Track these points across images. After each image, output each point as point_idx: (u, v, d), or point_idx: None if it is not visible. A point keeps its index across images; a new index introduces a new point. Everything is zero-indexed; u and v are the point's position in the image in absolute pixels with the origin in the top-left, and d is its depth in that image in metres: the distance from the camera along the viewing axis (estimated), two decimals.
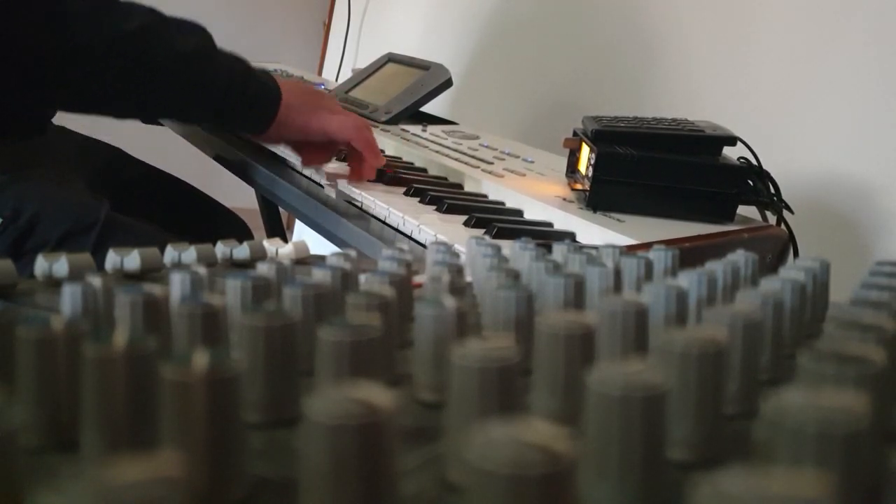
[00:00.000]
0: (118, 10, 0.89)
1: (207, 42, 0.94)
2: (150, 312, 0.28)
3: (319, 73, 2.46)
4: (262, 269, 0.38)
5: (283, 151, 1.07)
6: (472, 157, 1.07)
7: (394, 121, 1.25)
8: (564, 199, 0.87)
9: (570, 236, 0.78)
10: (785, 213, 0.91)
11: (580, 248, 0.46)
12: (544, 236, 0.77)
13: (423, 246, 0.74)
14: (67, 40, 0.84)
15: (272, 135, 0.98)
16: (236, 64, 0.95)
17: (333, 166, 1.02)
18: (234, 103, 0.94)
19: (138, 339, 0.21)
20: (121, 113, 0.98)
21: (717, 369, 0.23)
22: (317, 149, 1.00)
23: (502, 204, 0.90)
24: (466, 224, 0.79)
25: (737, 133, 0.88)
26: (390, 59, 1.46)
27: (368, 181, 0.95)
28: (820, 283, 0.41)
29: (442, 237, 0.73)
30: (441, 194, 0.88)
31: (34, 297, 0.39)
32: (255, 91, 0.95)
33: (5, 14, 0.82)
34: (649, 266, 0.41)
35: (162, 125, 1.45)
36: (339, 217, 0.87)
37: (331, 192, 0.95)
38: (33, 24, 0.83)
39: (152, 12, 0.91)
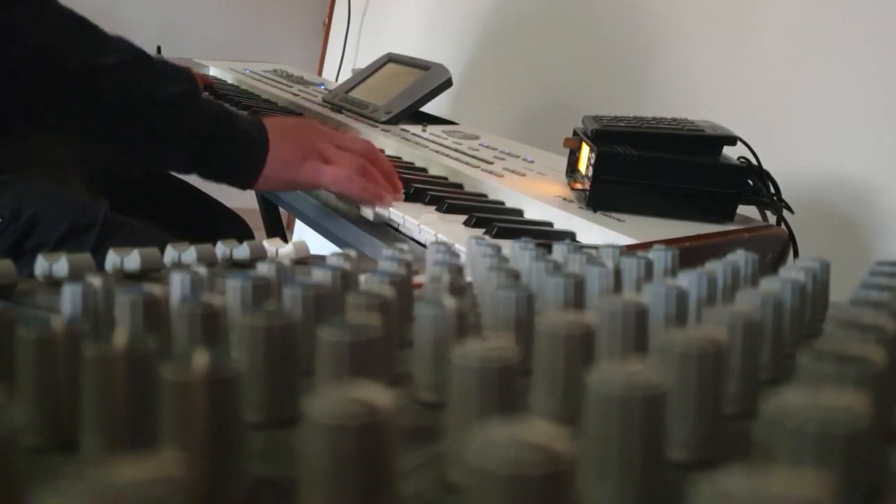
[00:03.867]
0: (101, 40, 0.85)
1: (191, 88, 0.88)
2: (150, 312, 0.28)
3: (319, 73, 2.46)
4: (262, 269, 0.38)
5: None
6: (472, 157, 1.07)
7: (394, 121, 1.25)
8: (564, 199, 0.87)
9: (570, 236, 0.78)
10: (785, 213, 0.91)
11: (580, 247, 0.46)
12: (544, 236, 0.77)
13: (423, 246, 0.75)
14: (39, 61, 0.80)
15: (260, 187, 0.91)
16: (221, 113, 0.89)
17: None
18: (216, 153, 0.87)
19: (138, 339, 0.21)
20: (93, 143, 0.92)
21: (717, 369, 0.23)
22: None
23: (502, 204, 0.90)
24: (466, 224, 0.79)
25: (737, 133, 0.88)
26: (390, 59, 1.46)
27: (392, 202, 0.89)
28: (820, 283, 0.41)
29: (442, 237, 0.73)
30: (441, 194, 0.88)
31: (34, 297, 0.39)
32: (240, 142, 0.88)
33: None
34: (649, 266, 0.41)
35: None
36: (339, 217, 0.87)
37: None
38: (7, 38, 0.79)
39: (137, 51, 0.87)
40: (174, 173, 0.92)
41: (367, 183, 0.87)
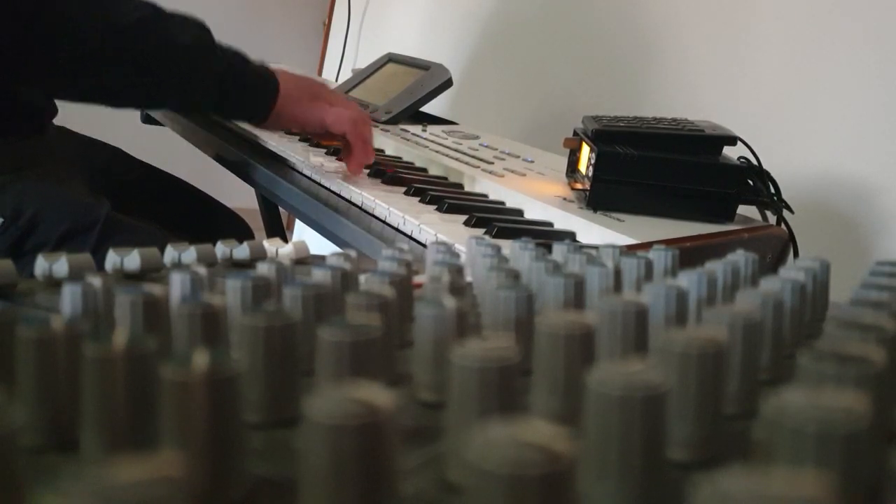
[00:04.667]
0: (117, 1, 0.90)
1: (206, 35, 0.95)
2: (150, 312, 0.28)
3: (319, 73, 2.46)
4: (262, 269, 0.38)
5: (284, 150, 1.07)
6: (472, 157, 1.07)
7: (394, 121, 1.25)
8: (564, 199, 0.87)
9: (570, 236, 0.78)
10: (785, 213, 0.91)
11: (580, 247, 0.46)
12: (544, 236, 0.77)
13: (424, 246, 0.74)
14: (63, 28, 0.85)
15: (270, 124, 1.00)
16: (234, 57, 0.96)
17: (320, 159, 1.05)
18: (232, 93, 0.95)
19: (138, 339, 0.21)
20: (119, 102, 0.99)
21: (717, 369, 0.23)
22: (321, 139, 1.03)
23: (502, 204, 0.90)
24: (467, 224, 0.79)
25: (737, 133, 0.88)
26: (390, 59, 1.46)
27: (351, 173, 0.96)
28: (820, 283, 0.41)
29: (442, 237, 0.73)
30: (441, 194, 0.88)
31: (34, 297, 0.39)
32: (253, 82, 0.96)
33: None
34: (649, 266, 0.41)
35: (161, 124, 1.45)
36: (339, 217, 0.87)
37: (328, 185, 0.95)
38: (28, 10, 0.83)
39: (152, 5, 0.92)
40: (195, 113, 1.00)
41: (363, 132, 0.97)
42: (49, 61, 0.87)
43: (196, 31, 0.94)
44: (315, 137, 1.11)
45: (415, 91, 1.28)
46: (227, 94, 0.95)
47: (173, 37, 0.91)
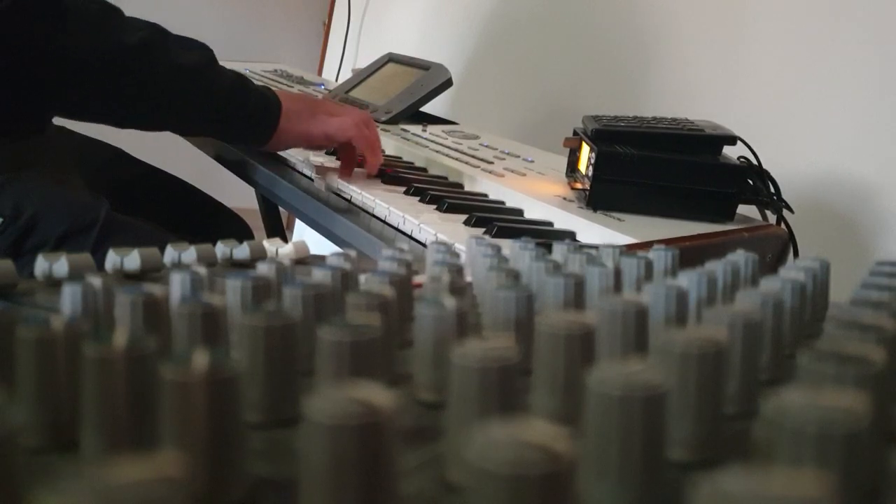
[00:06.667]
0: (122, 22, 0.91)
1: (208, 58, 0.96)
2: (150, 312, 0.28)
3: (319, 73, 2.45)
4: (262, 269, 0.38)
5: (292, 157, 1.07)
6: (472, 156, 1.07)
7: (394, 121, 1.25)
8: (564, 199, 0.87)
9: (570, 235, 0.78)
10: (785, 212, 0.91)
11: (580, 247, 0.46)
12: (544, 235, 0.77)
13: (424, 245, 0.74)
14: (69, 48, 0.86)
15: (275, 144, 1.01)
16: (237, 79, 0.97)
17: (321, 159, 1.05)
18: (235, 116, 0.96)
19: (138, 339, 0.21)
20: (120, 123, 1.00)
21: (717, 369, 0.23)
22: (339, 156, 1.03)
23: (502, 203, 0.90)
24: (466, 223, 0.79)
25: (737, 133, 0.88)
26: (390, 59, 1.46)
27: (369, 178, 0.96)
28: (820, 283, 0.41)
29: (442, 236, 0.73)
30: (441, 193, 0.88)
31: (34, 297, 0.39)
32: (256, 104, 0.97)
33: (7, 17, 0.83)
34: (649, 266, 0.41)
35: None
36: (339, 217, 0.87)
37: (320, 186, 0.96)
38: (35, 28, 0.84)
39: (155, 27, 0.93)
40: (198, 137, 1.03)
41: (369, 136, 0.98)
42: (56, 84, 0.88)
43: (199, 53, 0.95)
44: (320, 150, 1.10)
45: (415, 91, 1.28)
46: (230, 117, 0.96)
47: (176, 59, 0.92)
